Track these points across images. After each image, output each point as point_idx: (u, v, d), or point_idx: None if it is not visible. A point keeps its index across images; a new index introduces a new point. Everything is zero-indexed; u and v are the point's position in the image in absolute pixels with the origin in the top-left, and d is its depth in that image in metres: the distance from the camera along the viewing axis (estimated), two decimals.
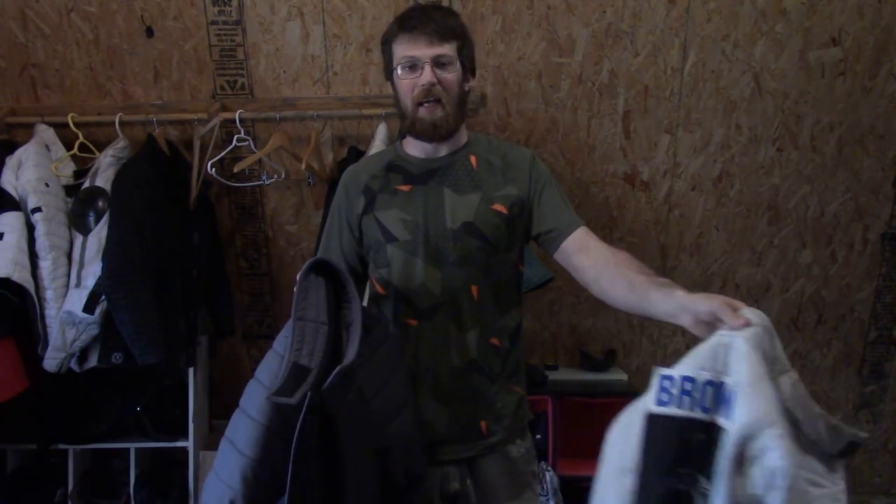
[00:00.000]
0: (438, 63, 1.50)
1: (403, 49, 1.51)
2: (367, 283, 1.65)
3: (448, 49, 1.51)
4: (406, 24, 1.51)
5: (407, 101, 1.53)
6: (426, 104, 1.51)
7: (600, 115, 2.59)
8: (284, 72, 2.56)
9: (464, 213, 1.52)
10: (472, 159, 1.58)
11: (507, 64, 2.52)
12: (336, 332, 1.28)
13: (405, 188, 1.56)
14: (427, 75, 1.48)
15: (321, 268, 1.32)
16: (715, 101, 2.56)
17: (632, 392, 2.60)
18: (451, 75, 1.52)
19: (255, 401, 1.25)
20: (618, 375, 2.79)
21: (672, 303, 1.20)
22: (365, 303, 1.61)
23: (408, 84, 1.51)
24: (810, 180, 2.67)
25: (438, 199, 1.54)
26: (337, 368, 1.18)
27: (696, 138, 2.62)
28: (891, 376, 2.94)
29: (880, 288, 2.82)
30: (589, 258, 1.46)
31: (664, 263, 2.80)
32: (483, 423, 1.54)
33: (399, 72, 1.52)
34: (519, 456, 1.58)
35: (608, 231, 2.76)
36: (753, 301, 2.85)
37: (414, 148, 1.60)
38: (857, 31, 2.43)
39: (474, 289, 1.52)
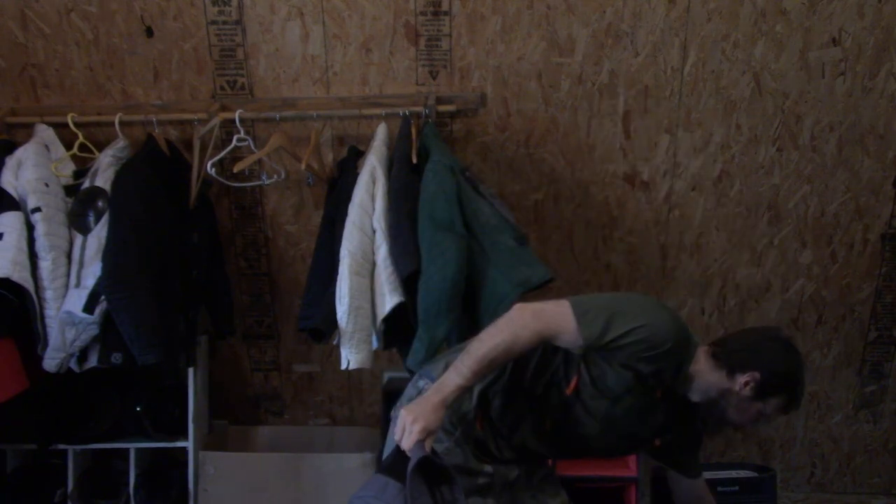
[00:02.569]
0: None
1: (775, 412, 1.64)
2: None
3: None
4: (797, 405, 1.65)
5: (740, 422, 1.67)
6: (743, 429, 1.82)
7: (600, 115, 2.59)
8: (284, 72, 2.56)
9: (648, 433, 1.76)
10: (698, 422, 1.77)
11: (507, 64, 2.51)
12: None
13: (657, 396, 1.67)
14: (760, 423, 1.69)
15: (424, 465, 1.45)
16: (715, 101, 2.55)
17: None
18: None
19: None
20: None
21: None
22: None
23: (754, 416, 1.65)
24: (810, 180, 2.67)
25: (652, 414, 1.72)
26: None
27: (696, 138, 2.62)
28: (891, 376, 2.94)
29: (880, 288, 2.82)
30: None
31: (664, 263, 2.80)
32: None
33: (761, 413, 1.64)
34: None
35: (608, 231, 2.76)
36: (753, 301, 2.85)
37: (695, 383, 1.66)
38: (857, 31, 2.43)
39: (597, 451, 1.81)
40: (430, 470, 1.45)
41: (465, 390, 1.54)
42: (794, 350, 1.67)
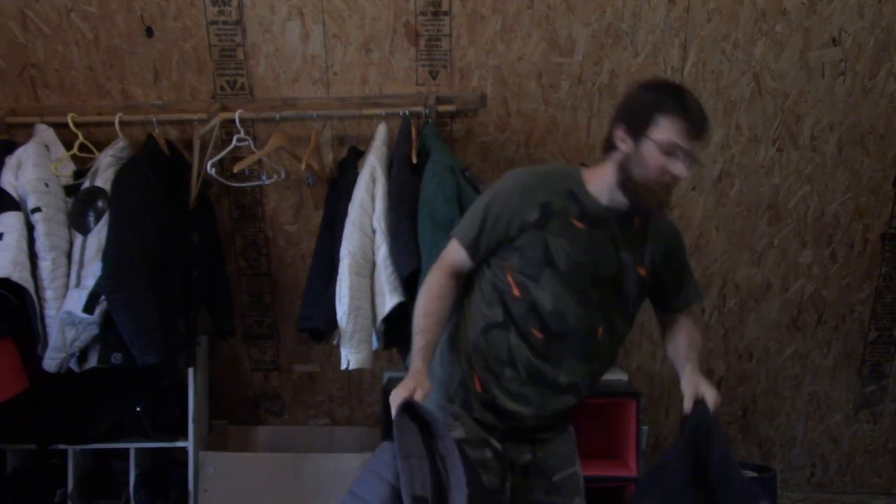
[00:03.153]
0: (693, 159, 1.59)
1: (676, 134, 1.55)
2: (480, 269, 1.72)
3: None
4: (688, 112, 1.55)
5: (649, 176, 1.57)
6: (667, 187, 1.60)
7: (600, 115, 2.59)
8: (284, 72, 2.56)
9: (615, 266, 1.65)
10: (637, 220, 1.68)
11: (507, 64, 2.51)
12: (432, 461, 1.46)
13: (579, 225, 1.63)
14: (684, 170, 1.56)
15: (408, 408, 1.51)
16: (715, 101, 2.55)
17: (632, 392, 2.60)
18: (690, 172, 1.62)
19: None
20: (618, 375, 2.79)
21: (682, 379, 1.68)
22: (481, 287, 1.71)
23: (661, 165, 1.56)
24: (810, 180, 2.67)
25: (598, 246, 1.64)
26: (467, 493, 1.38)
27: None
28: (891, 376, 2.94)
29: (880, 288, 2.82)
30: (674, 325, 1.81)
31: None
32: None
33: (659, 150, 1.55)
34: (572, 429, 1.83)
35: None
36: (753, 301, 2.85)
37: (600, 190, 1.64)
38: (857, 31, 2.43)
39: (600, 330, 1.67)
40: (421, 423, 1.50)
41: (428, 350, 1.62)
42: (652, 80, 1.65)
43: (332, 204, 2.51)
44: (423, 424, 1.51)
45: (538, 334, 1.63)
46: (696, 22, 2.45)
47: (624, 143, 1.59)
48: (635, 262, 1.67)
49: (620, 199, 1.62)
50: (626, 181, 1.59)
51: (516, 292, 1.63)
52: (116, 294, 2.24)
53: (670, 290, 1.79)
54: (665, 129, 1.55)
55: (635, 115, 1.60)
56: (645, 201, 1.60)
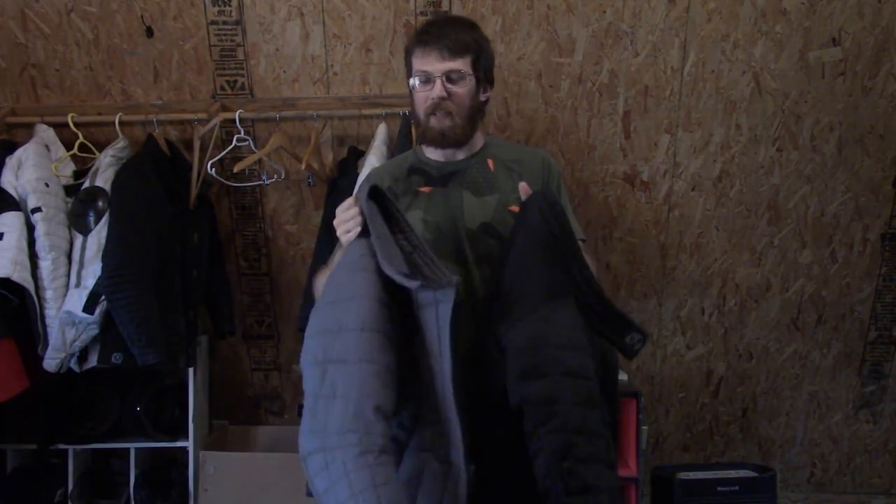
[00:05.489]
0: (450, 78, 1.58)
1: (418, 62, 1.60)
2: None
3: (460, 64, 1.59)
4: (421, 37, 1.60)
5: (419, 111, 1.62)
6: (436, 114, 1.59)
7: (600, 115, 2.59)
8: (284, 72, 2.56)
9: (481, 214, 1.61)
10: (490, 162, 1.66)
11: (507, 64, 2.51)
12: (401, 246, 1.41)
13: (426, 190, 1.63)
14: (437, 90, 1.57)
15: (374, 195, 1.44)
16: (715, 101, 2.55)
17: (632, 392, 2.60)
18: (463, 89, 1.60)
19: (356, 313, 1.28)
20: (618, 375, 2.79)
21: None
22: None
23: (421, 96, 1.60)
24: (810, 180, 2.67)
25: (457, 200, 1.62)
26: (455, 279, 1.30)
27: (696, 138, 2.62)
28: (891, 376, 2.94)
29: (880, 288, 2.82)
30: None
31: (664, 263, 2.80)
32: None
33: (415, 84, 1.60)
34: None
35: (608, 231, 2.76)
36: (753, 301, 2.85)
37: (433, 152, 1.68)
38: (857, 31, 2.43)
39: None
40: (385, 212, 1.45)
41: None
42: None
43: (332, 204, 2.51)
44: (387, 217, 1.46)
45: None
46: (696, 22, 2.45)
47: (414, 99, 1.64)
48: (505, 202, 1.62)
49: (444, 150, 1.65)
50: (417, 128, 1.64)
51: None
52: (116, 294, 2.24)
53: None
54: (413, 66, 1.61)
55: (406, 70, 1.65)
56: (424, 134, 1.63)
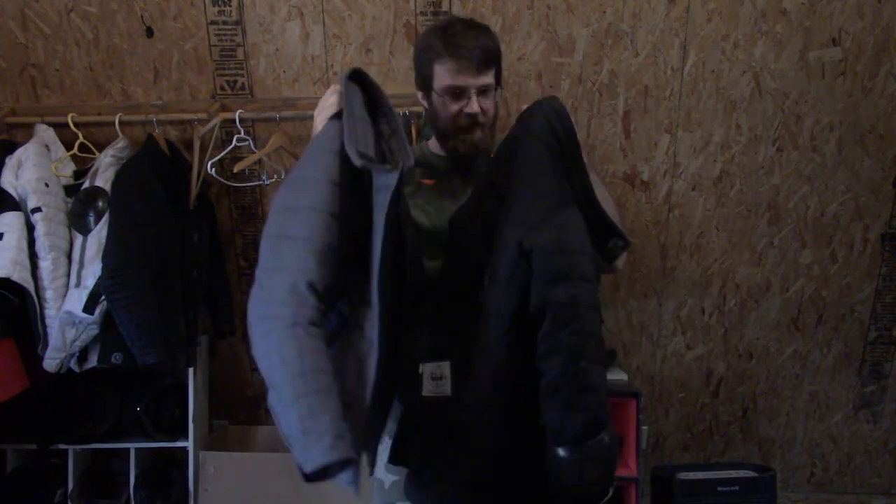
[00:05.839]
0: (481, 91, 1.54)
1: (450, 77, 1.53)
2: None
3: (490, 77, 1.55)
4: (454, 50, 1.52)
5: (448, 124, 1.57)
6: (471, 129, 1.56)
7: (600, 115, 2.59)
8: (284, 72, 2.56)
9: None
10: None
11: (507, 64, 2.51)
12: (376, 129, 1.41)
13: (429, 182, 1.62)
14: (475, 106, 1.53)
15: (356, 77, 1.42)
16: (715, 101, 2.56)
17: (632, 392, 2.60)
18: (492, 101, 1.57)
19: (311, 192, 1.32)
20: (618, 375, 2.79)
21: None
22: None
23: (453, 109, 1.54)
24: (810, 180, 2.67)
25: (462, 193, 1.60)
26: (402, 164, 1.33)
27: (696, 138, 2.62)
28: (891, 376, 2.94)
29: (880, 288, 2.82)
30: None
31: (664, 263, 2.80)
32: None
33: (444, 97, 1.54)
34: None
35: None
36: (753, 301, 2.85)
37: (439, 148, 1.67)
38: (857, 31, 2.43)
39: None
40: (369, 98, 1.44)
41: None
42: (428, 27, 1.64)
43: None
44: (371, 100, 1.44)
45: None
46: (696, 22, 2.45)
47: (424, 102, 1.61)
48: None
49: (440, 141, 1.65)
50: (437, 133, 1.62)
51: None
52: (116, 294, 2.24)
53: None
54: (440, 77, 1.54)
55: (419, 72, 1.60)
56: (455, 148, 1.60)
